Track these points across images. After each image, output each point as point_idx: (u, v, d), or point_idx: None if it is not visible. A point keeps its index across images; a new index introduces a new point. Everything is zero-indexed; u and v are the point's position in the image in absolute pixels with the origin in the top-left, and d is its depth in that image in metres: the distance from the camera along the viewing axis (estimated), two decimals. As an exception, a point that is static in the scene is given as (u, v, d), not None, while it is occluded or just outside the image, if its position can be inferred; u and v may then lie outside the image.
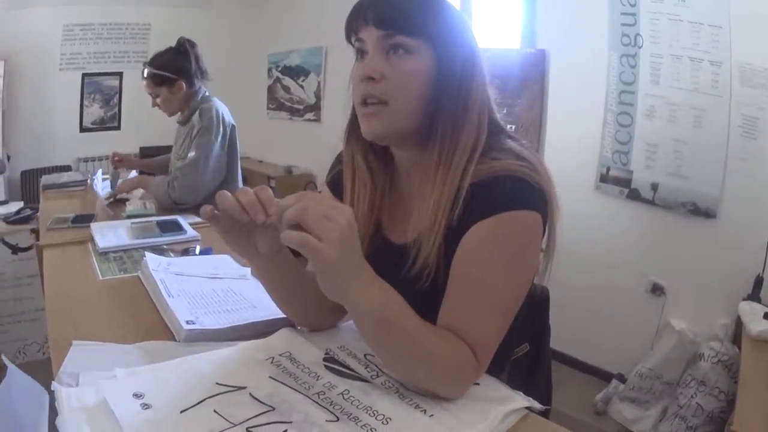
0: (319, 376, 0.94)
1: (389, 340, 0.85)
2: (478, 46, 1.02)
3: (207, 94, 2.65)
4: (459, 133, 0.97)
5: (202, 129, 2.47)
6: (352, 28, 0.99)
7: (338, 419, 0.82)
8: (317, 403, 0.86)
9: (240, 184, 2.73)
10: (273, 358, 0.99)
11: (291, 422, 0.80)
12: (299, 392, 0.88)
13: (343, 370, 0.97)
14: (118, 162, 2.91)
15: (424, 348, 0.85)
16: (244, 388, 0.88)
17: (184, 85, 2.56)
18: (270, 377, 0.92)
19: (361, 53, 0.99)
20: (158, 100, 2.60)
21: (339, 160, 1.19)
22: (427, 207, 0.96)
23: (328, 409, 0.84)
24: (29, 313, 3.10)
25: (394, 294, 0.85)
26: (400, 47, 0.94)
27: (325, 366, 0.97)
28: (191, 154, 2.47)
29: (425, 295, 0.93)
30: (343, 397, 0.88)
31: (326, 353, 1.02)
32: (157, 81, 2.55)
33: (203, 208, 0.85)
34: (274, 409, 0.83)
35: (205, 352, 1.01)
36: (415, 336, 0.84)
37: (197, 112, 2.52)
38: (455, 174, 0.95)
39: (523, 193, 0.92)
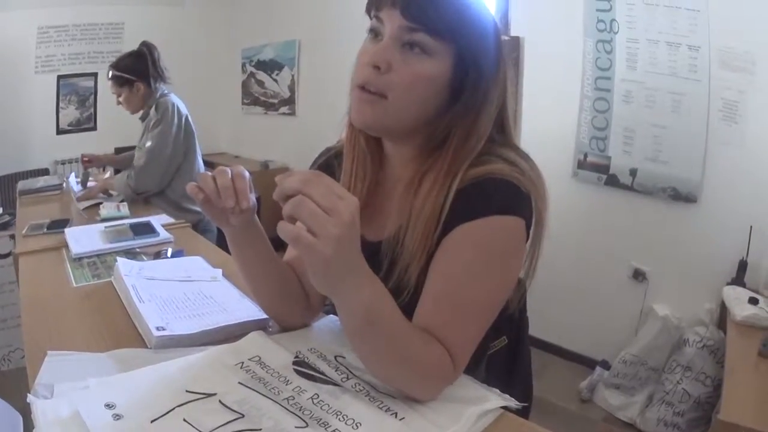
0: (288, 381, 0.92)
1: (373, 339, 0.82)
2: (505, 55, 0.96)
3: (165, 91, 2.88)
4: (473, 144, 0.94)
5: (157, 121, 2.74)
6: (374, 3, 0.92)
7: (307, 425, 0.80)
8: (286, 408, 0.84)
9: (199, 170, 2.93)
10: (243, 362, 0.97)
11: (260, 429, 0.79)
12: (268, 398, 0.87)
13: (313, 373, 0.95)
14: (87, 162, 3.08)
15: (406, 350, 0.83)
16: (214, 395, 0.87)
17: (142, 86, 2.81)
18: (239, 383, 0.91)
19: (374, 32, 0.92)
20: (121, 99, 2.86)
21: (321, 154, 1.18)
22: (422, 216, 0.93)
23: (297, 415, 0.82)
24: (12, 319, 3.07)
25: (384, 293, 0.81)
26: (418, 45, 0.88)
27: (295, 370, 0.96)
28: (147, 143, 2.73)
29: (403, 309, 0.88)
30: (313, 402, 0.86)
31: (296, 356, 1.00)
32: (119, 82, 2.81)
33: (190, 186, 0.91)
34: (243, 416, 0.82)
35: (176, 358, 0.99)
36: (398, 338, 0.82)
37: (153, 107, 2.79)
38: (455, 181, 0.92)
39: (509, 197, 0.89)
